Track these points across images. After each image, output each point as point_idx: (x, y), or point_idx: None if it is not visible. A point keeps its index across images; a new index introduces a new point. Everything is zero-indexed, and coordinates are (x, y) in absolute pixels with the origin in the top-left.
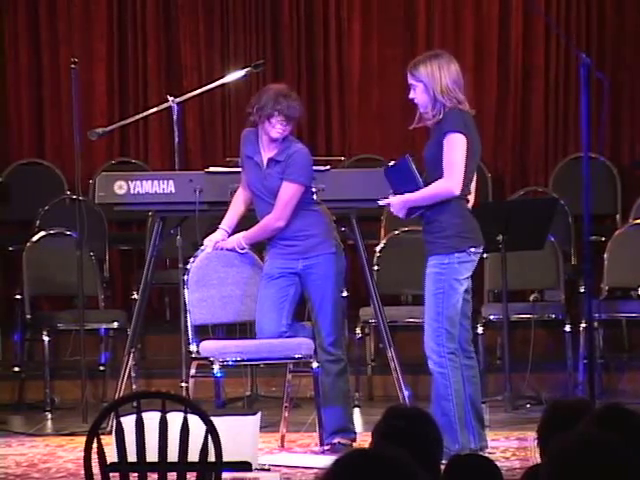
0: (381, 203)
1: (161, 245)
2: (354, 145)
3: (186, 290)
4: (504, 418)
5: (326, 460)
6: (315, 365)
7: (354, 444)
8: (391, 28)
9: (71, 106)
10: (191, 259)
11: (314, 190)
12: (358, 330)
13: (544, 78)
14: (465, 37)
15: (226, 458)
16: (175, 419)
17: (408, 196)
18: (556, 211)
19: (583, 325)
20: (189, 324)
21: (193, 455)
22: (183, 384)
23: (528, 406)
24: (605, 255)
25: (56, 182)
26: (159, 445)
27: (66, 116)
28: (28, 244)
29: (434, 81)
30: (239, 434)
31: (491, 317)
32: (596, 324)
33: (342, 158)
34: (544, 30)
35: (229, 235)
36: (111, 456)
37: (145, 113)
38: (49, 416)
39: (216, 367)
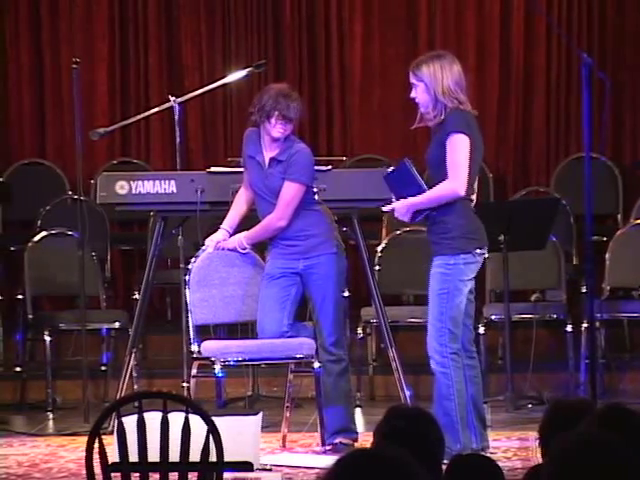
0: (385, 209)
1: (162, 245)
2: (356, 145)
3: (187, 290)
4: (506, 418)
5: (328, 460)
6: (316, 365)
7: (356, 444)
8: (392, 28)
9: (72, 106)
10: (192, 259)
11: (315, 190)
12: (359, 330)
13: (545, 78)
14: (467, 37)
15: (227, 458)
16: (176, 419)
17: (412, 200)
18: (558, 211)
19: (585, 325)
20: (190, 324)
21: (194, 455)
22: (184, 384)
23: (530, 406)
24: (607, 255)
25: (58, 182)
26: (160, 445)
27: (67, 116)
28: (30, 244)
29: (436, 81)
30: (240, 434)
31: (493, 317)
32: (598, 324)
33: (344, 158)
34: (545, 30)
35: (230, 235)
36: (112, 456)
37: (146, 113)
38: (51, 416)
39: (217, 367)
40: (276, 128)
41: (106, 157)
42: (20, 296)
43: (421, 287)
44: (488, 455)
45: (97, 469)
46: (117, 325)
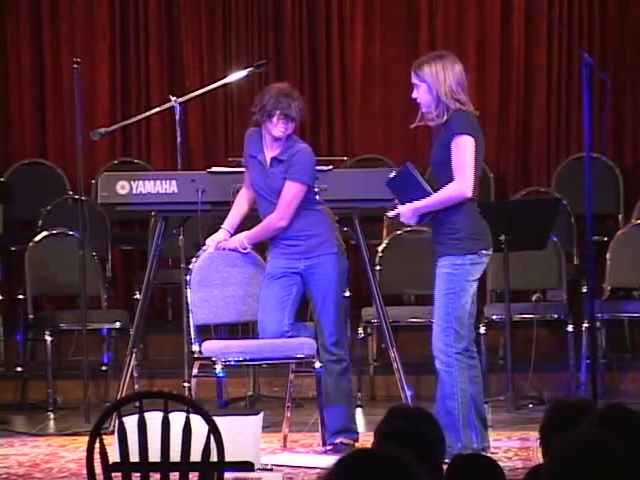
0: (390, 215)
1: (163, 245)
2: (356, 145)
3: (188, 290)
4: (506, 418)
5: (328, 460)
6: (317, 365)
7: (356, 444)
8: (393, 28)
9: (73, 106)
10: (193, 259)
11: (316, 190)
12: (360, 330)
13: (546, 78)
14: (467, 37)
15: (228, 458)
16: (177, 419)
17: (418, 203)
18: (558, 211)
19: (585, 325)
20: (191, 324)
21: (195, 455)
22: (185, 384)
23: (530, 406)
24: (607, 255)
25: (58, 182)
26: (161, 445)
27: (68, 116)
28: (30, 244)
29: (438, 82)
30: (241, 434)
31: (493, 317)
32: (598, 324)
33: (344, 158)
34: (546, 30)
35: (231, 235)
36: (113, 456)
37: (147, 113)
38: (51, 416)
39: (218, 367)
40: (277, 127)
41: (107, 157)
42: (21, 296)
43: (422, 287)
44: (489, 455)
45: (98, 469)
46: (118, 325)
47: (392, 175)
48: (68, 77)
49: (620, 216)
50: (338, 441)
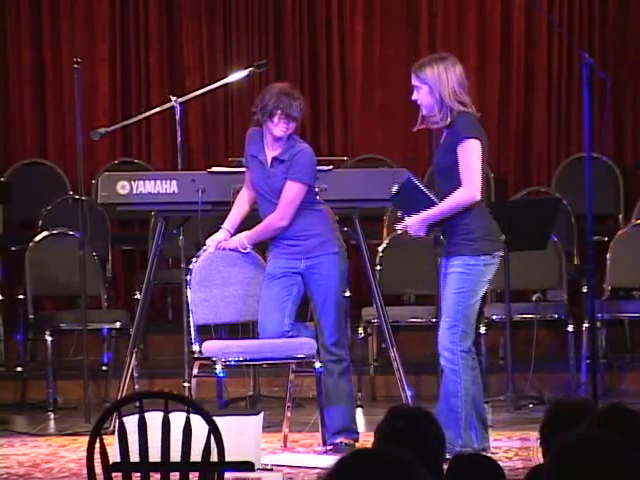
0: (398, 229)
1: (164, 245)
2: (357, 145)
3: (188, 290)
4: (507, 418)
5: (329, 460)
6: (318, 365)
7: (357, 444)
8: (394, 28)
9: (74, 106)
10: (193, 259)
11: (317, 190)
12: (360, 330)
13: (546, 78)
14: (468, 37)
15: (228, 458)
16: (177, 419)
17: (426, 214)
18: (559, 211)
19: (586, 325)
20: (192, 324)
21: (195, 455)
22: (185, 384)
23: (531, 406)
24: (608, 255)
25: (59, 182)
26: (161, 445)
27: (69, 116)
28: (31, 244)
29: (440, 84)
30: (242, 434)
31: (494, 317)
32: (599, 324)
33: (345, 158)
34: (546, 30)
35: (232, 235)
36: (113, 456)
37: (148, 113)
38: (52, 416)
39: (218, 367)
40: (278, 127)
41: (107, 157)
42: (21, 296)
43: (422, 287)
44: (489, 455)
45: (98, 469)
46: (118, 325)
47: (394, 190)
48: (68, 77)
49: (620, 216)
50: (338, 441)
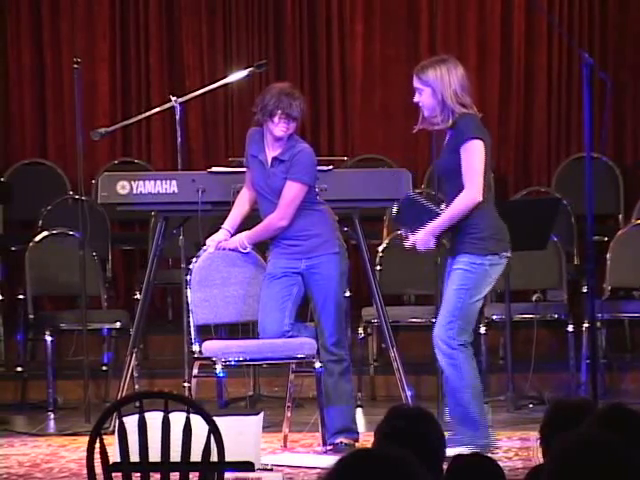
0: (407, 246)
1: (164, 245)
2: (357, 145)
3: (189, 290)
4: (507, 418)
5: (329, 460)
6: (318, 365)
7: (357, 444)
8: (394, 28)
9: (74, 106)
10: (194, 259)
11: (317, 190)
12: (360, 330)
13: (546, 78)
14: (468, 37)
15: (228, 458)
16: (178, 419)
17: (431, 226)
18: (559, 211)
19: (586, 325)
20: (192, 324)
21: (195, 455)
22: (185, 384)
23: (531, 406)
24: (608, 255)
25: (59, 182)
26: (161, 445)
27: (69, 116)
28: (31, 244)
29: (443, 86)
30: (242, 434)
31: (494, 317)
32: (599, 324)
33: (345, 158)
34: (546, 30)
35: (232, 235)
36: (113, 456)
37: (148, 113)
38: (52, 416)
39: (218, 367)
40: (279, 127)
41: (107, 157)
42: (21, 296)
43: (422, 287)
44: (489, 455)
45: (98, 469)
46: (118, 325)
47: (395, 211)
48: (68, 77)
49: (620, 216)
50: (338, 441)
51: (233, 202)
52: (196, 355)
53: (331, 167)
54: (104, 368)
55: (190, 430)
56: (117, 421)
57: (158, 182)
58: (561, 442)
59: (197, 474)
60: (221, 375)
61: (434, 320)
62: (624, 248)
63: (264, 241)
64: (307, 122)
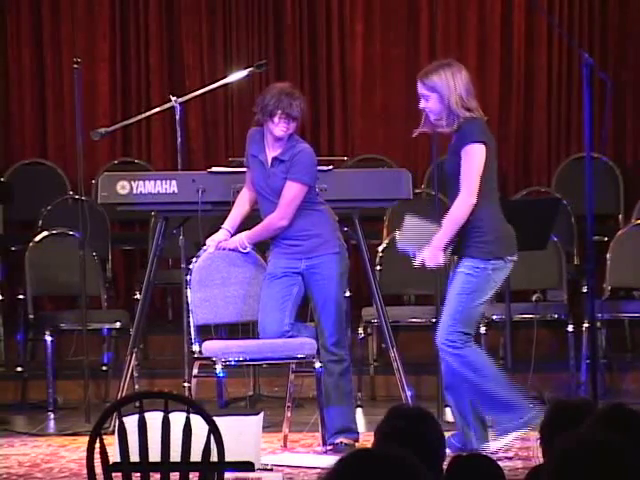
0: (417, 265)
1: (164, 245)
2: (357, 145)
3: (189, 290)
4: None
5: (329, 460)
6: (318, 365)
7: (357, 444)
8: (394, 28)
9: (74, 106)
10: (194, 259)
11: (318, 190)
12: (360, 330)
13: (546, 78)
14: (468, 37)
15: (228, 458)
16: (177, 419)
17: (436, 239)
18: (559, 211)
19: (586, 325)
20: (192, 324)
21: (195, 455)
22: (185, 384)
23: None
24: (608, 255)
25: (59, 182)
26: (161, 445)
27: (69, 116)
28: (31, 244)
29: (449, 91)
30: (242, 434)
31: (494, 317)
32: (599, 324)
33: (345, 158)
34: (547, 30)
35: (232, 235)
36: (113, 456)
37: (148, 113)
38: (52, 416)
39: (218, 367)
40: (279, 127)
41: (107, 157)
42: (21, 296)
43: (422, 287)
44: (489, 455)
45: (98, 469)
46: (118, 325)
47: (398, 237)
48: (68, 77)
49: (620, 216)
50: (338, 441)
51: (233, 202)
52: (196, 355)
53: (331, 167)
54: (104, 368)
55: (190, 430)
56: (117, 421)
57: (158, 182)
58: (561, 442)
59: (197, 474)
60: (221, 375)
61: (434, 320)
62: (624, 248)
63: (264, 241)
64: (307, 122)
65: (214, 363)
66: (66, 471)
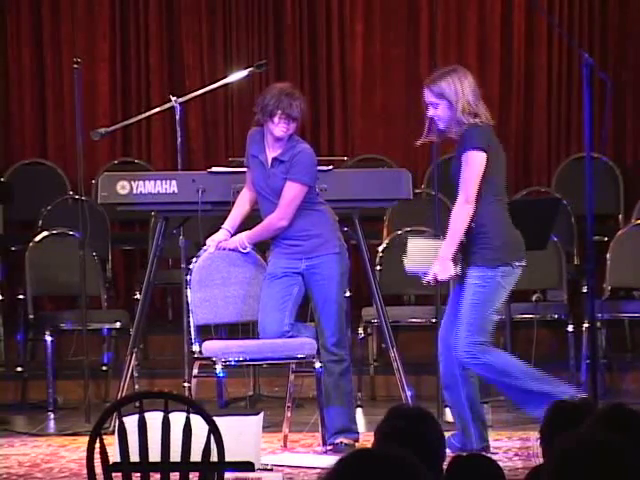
0: (429, 280)
1: (164, 245)
2: (357, 145)
3: (189, 290)
4: (507, 418)
5: (329, 460)
6: (318, 365)
7: (357, 444)
8: (394, 28)
9: (74, 106)
10: (194, 259)
11: (318, 190)
12: (360, 330)
13: (546, 78)
14: (468, 37)
15: (228, 458)
16: (177, 419)
17: (443, 251)
18: (559, 211)
19: (586, 325)
20: (192, 324)
21: (195, 455)
22: (186, 384)
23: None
24: (608, 255)
25: (59, 182)
26: (161, 445)
27: (69, 116)
28: (31, 244)
29: (457, 97)
30: (242, 434)
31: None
32: (599, 324)
33: (345, 158)
34: (546, 30)
35: (232, 235)
36: (113, 456)
37: (148, 113)
38: (52, 416)
39: (218, 367)
40: (279, 127)
41: (107, 157)
42: (21, 296)
43: (422, 287)
44: (489, 455)
45: (98, 469)
46: (118, 325)
47: (406, 261)
48: (68, 77)
49: (620, 216)
50: (338, 441)
51: (233, 202)
52: (196, 355)
53: (331, 167)
54: (104, 368)
55: (190, 430)
56: (117, 421)
57: (158, 182)
58: (561, 442)
59: (197, 474)
60: (221, 375)
61: (434, 320)
62: (624, 248)
63: (264, 241)
64: (307, 122)
65: (214, 363)
66: (66, 471)
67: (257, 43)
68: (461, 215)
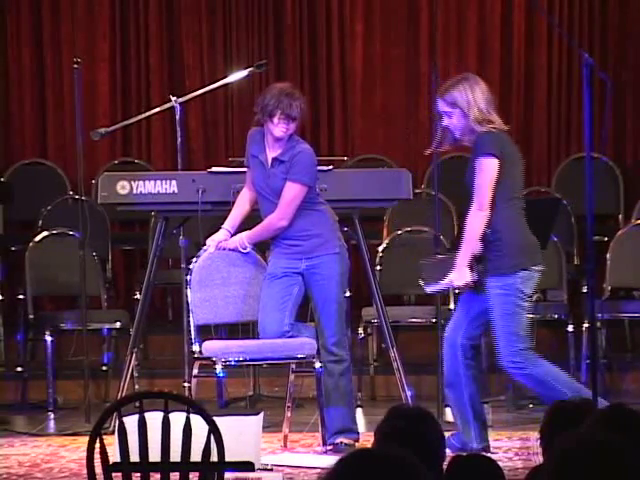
0: (442, 288)
1: (164, 245)
2: (357, 145)
3: (189, 290)
4: (507, 418)
5: (329, 460)
6: (318, 365)
7: (357, 444)
8: (394, 28)
9: (74, 106)
10: (194, 259)
11: (318, 190)
12: (360, 330)
13: (546, 78)
14: (468, 37)
15: (228, 458)
16: (177, 419)
17: (459, 259)
18: (559, 211)
19: (586, 325)
20: (192, 324)
21: (195, 455)
22: (186, 384)
23: (531, 406)
24: (608, 255)
25: (59, 182)
26: (161, 445)
27: (69, 116)
28: (31, 244)
29: (469, 105)
30: (242, 434)
31: None
32: (599, 324)
33: (345, 158)
34: (546, 30)
35: (232, 235)
36: (113, 456)
37: (148, 113)
38: (52, 416)
39: (218, 367)
40: (279, 127)
41: (107, 157)
42: (21, 296)
43: (422, 287)
44: (489, 455)
45: (98, 469)
46: (118, 325)
47: (423, 283)
48: (68, 77)
49: (620, 216)
50: (338, 441)
51: (233, 202)
52: (196, 355)
53: (331, 167)
54: (104, 368)
55: (190, 430)
56: (117, 421)
57: (158, 182)
58: (561, 442)
59: (197, 474)
60: (221, 375)
61: (434, 320)
62: (624, 248)
63: (264, 241)
64: (307, 122)
65: (214, 363)
66: (66, 471)
67: (257, 43)
68: (476, 222)
